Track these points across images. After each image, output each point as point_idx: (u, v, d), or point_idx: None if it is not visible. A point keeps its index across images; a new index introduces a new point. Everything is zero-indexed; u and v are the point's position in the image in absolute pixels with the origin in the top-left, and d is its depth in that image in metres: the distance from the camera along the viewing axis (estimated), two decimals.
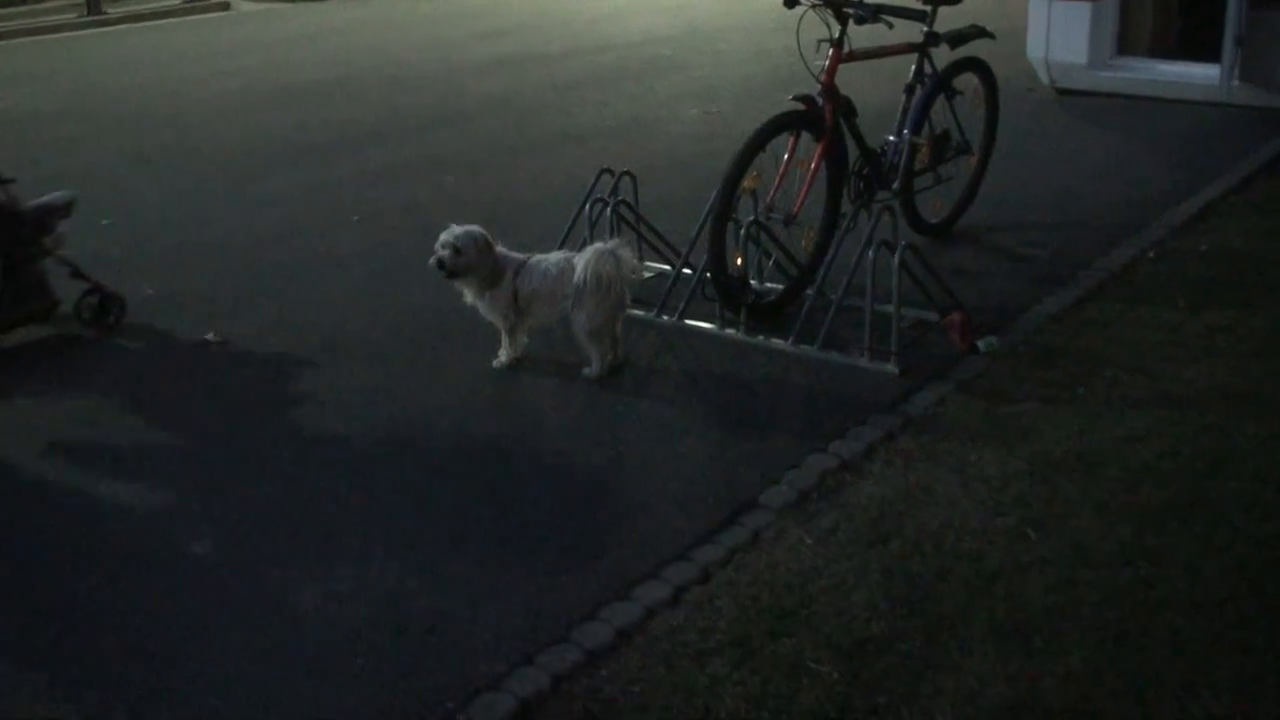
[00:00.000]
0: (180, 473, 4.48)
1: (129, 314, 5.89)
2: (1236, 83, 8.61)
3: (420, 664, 3.36)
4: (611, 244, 5.00)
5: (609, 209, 5.84)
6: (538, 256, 5.11)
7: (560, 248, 5.61)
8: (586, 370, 5.09)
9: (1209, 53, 8.81)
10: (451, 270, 4.97)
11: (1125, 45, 9.67)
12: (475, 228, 5.00)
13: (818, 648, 3.33)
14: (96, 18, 17.42)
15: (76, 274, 5.90)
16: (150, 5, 18.24)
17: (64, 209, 5.87)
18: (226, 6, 18.79)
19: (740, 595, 3.59)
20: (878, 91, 7.19)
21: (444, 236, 4.98)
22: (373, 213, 7.56)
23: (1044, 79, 9.89)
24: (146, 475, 4.47)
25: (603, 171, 6.06)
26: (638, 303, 5.51)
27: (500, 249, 5.07)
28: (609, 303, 4.94)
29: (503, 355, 5.18)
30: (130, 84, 12.59)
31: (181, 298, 6.21)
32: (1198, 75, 9.06)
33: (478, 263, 4.98)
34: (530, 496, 4.21)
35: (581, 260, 4.92)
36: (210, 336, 5.63)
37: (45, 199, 5.83)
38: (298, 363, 5.39)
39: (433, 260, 4.99)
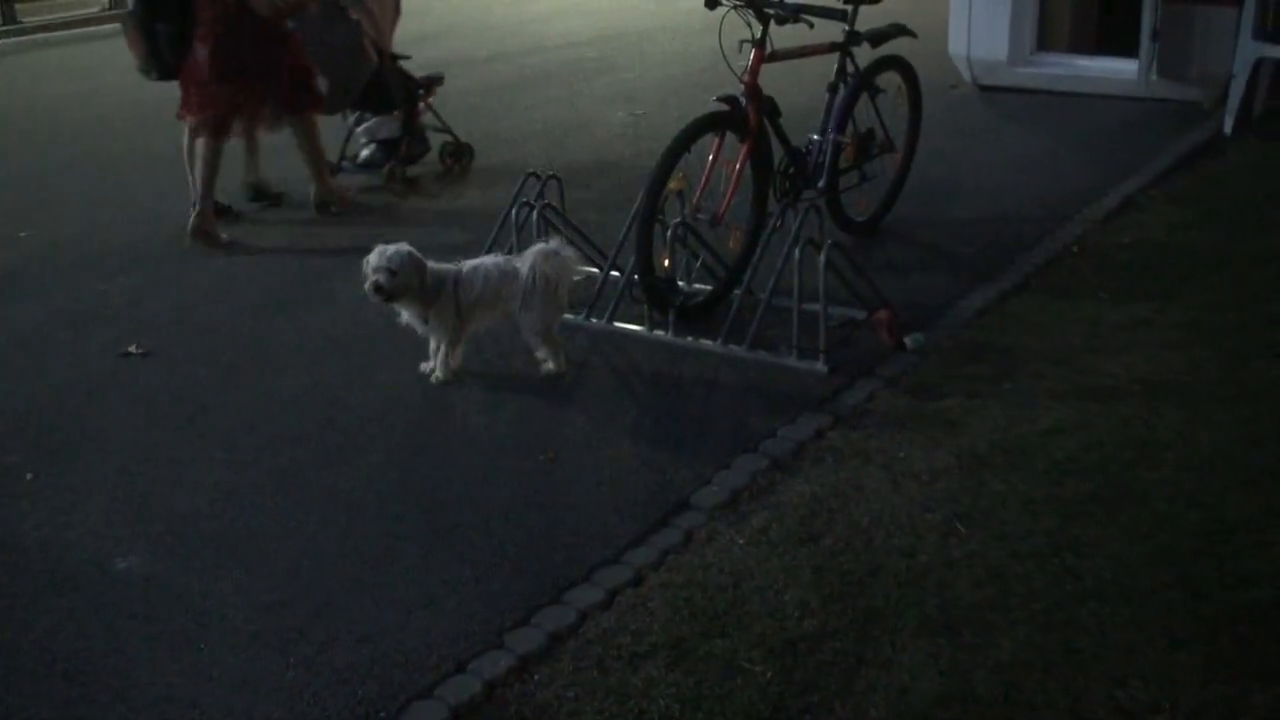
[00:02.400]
0: (103, 486, 4.41)
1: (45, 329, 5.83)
2: (1154, 77, 8.74)
3: (352, 674, 3.33)
4: (554, 244, 4.99)
5: (535, 213, 5.82)
6: (470, 263, 5.06)
7: (487, 252, 5.58)
8: (546, 367, 5.10)
9: (1127, 47, 8.94)
10: (390, 293, 4.87)
11: (1045, 41, 9.78)
12: (404, 245, 4.90)
13: (750, 647, 3.33)
14: (12, 26, 17.13)
15: (443, 128, 8.35)
16: (68, 14, 17.94)
17: (440, 79, 8.33)
18: None
19: (673, 597, 3.59)
20: (801, 91, 7.22)
21: (374, 260, 4.85)
22: (300, 219, 7.49)
23: (966, 76, 9.98)
24: (68, 489, 4.40)
25: (529, 175, 6.04)
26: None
27: (430, 263, 4.98)
28: (555, 302, 4.94)
29: (439, 371, 5.09)
30: (50, 93, 12.39)
31: (102, 308, 6.12)
32: (1116, 70, 9.18)
33: (414, 281, 4.87)
34: (460, 502, 4.19)
35: (526, 262, 4.89)
36: (132, 348, 5.56)
37: (429, 73, 8.29)
38: (223, 372, 5.33)
39: (368, 285, 4.86)
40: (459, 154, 8.41)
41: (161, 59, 7.07)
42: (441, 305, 4.96)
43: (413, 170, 8.19)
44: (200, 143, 7.03)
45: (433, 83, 8.22)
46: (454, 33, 14.70)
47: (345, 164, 8.13)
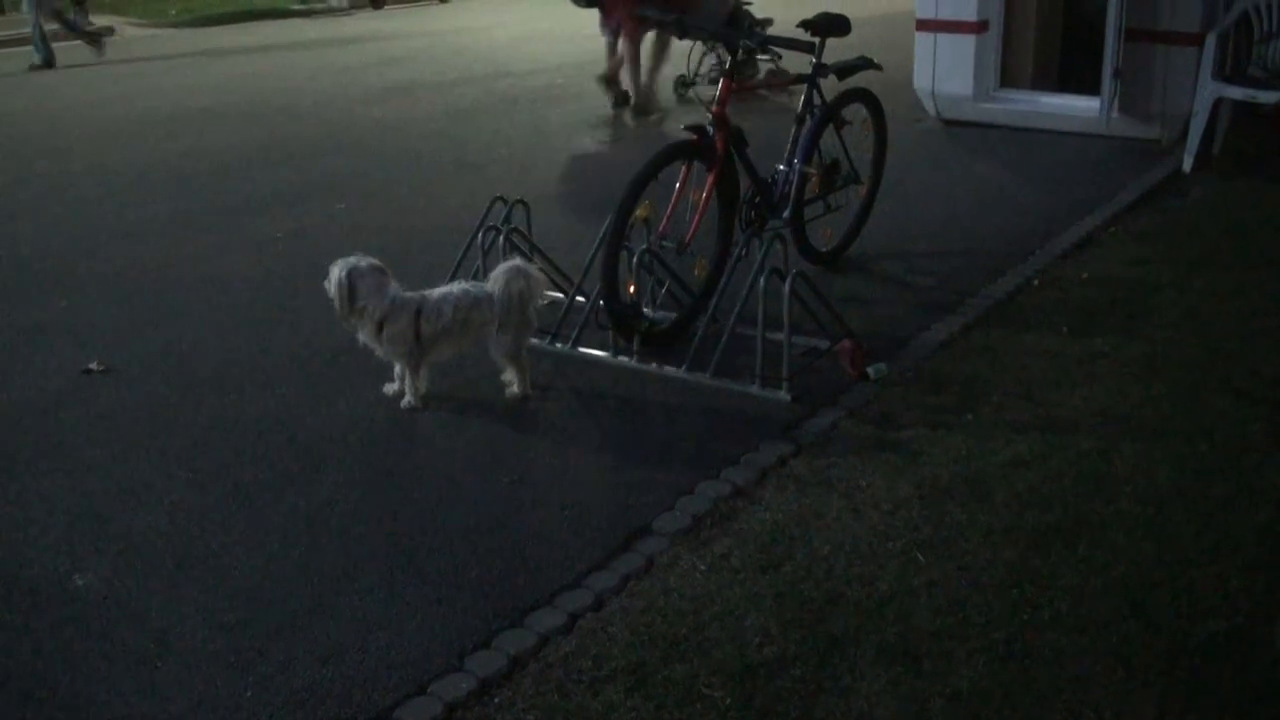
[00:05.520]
0: (62, 504, 4.38)
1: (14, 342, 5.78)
2: (1115, 115, 8.85)
3: (312, 695, 3.32)
4: (517, 261, 5.00)
5: (502, 237, 5.83)
6: (436, 292, 5.01)
7: (453, 277, 5.59)
8: (511, 390, 5.10)
9: (1088, 85, 9.05)
10: (339, 305, 4.87)
11: (1008, 78, 9.89)
12: (362, 261, 4.89)
13: (711, 673, 3.34)
14: None
15: (770, 58, 10.14)
16: (29, 30, 17.84)
17: (770, 21, 11.16)
18: (110, 31, 18.46)
19: (634, 622, 3.59)
20: (768, 122, 7.26)
21: (334, 271, 4.85)
22: (262, 240, 7.48)
23: (930, 110, 10.07)
24: (27, 506, 4.36)
25: (495, 199, 6.05)
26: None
27: (393, 287, 4.93)
28: (525, 321, 4.98)
29: (410, 397, 5.04)
30: (7, 109, 12.33)
31: (62, 326, 6.08)
32: (1078, 107, 9.30)
33: (366, 295, 4.85)
34: (423, 524, 4.18)
35: (499, 284, 4.90)
36: (94, 366, 5.52)
37: (763, 16, 11.41)
38: (185, 391, 5.30)
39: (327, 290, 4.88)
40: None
41: None
42: (398, 331, 4.92)
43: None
44: (625, 49, 10.49)
45: (766, 23, 11.16)
46: (419, 57, 14.76)
47: (697, 78, 11.49)
